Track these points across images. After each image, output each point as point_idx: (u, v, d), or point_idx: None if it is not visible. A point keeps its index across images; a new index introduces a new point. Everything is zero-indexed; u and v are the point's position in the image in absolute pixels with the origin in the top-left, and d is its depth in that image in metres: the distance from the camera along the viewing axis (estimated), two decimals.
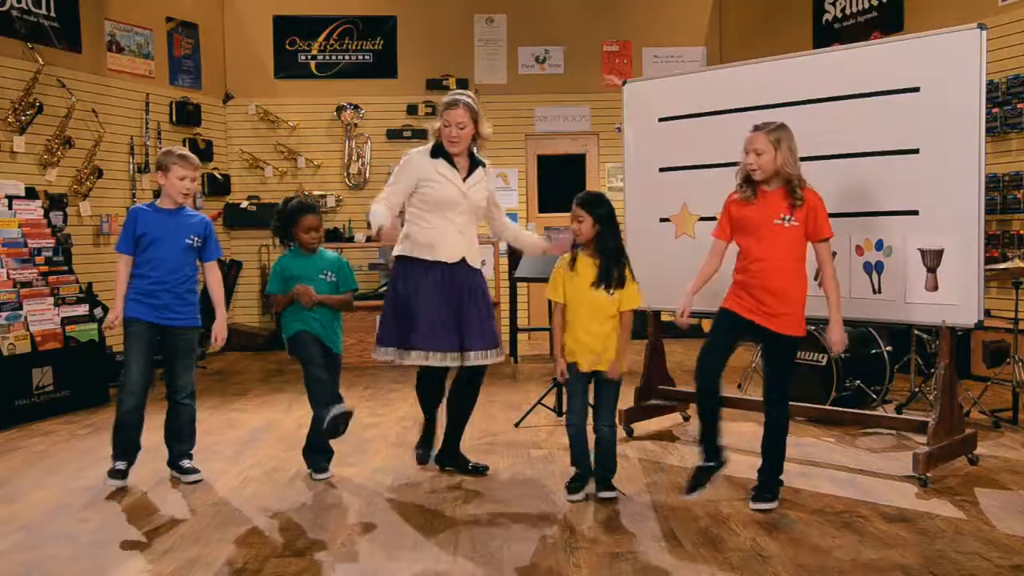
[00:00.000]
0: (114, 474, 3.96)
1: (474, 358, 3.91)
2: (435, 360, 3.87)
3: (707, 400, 3.62)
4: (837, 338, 3.58)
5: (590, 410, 3.80)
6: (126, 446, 4.01)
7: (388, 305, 4.01)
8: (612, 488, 3.71)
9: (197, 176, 4.07)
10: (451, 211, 3.94)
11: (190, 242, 4.01)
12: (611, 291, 3.63)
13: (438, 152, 3.96)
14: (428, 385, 4.16)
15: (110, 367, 6.03)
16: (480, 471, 4.12)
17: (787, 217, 3.46)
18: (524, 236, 4.38)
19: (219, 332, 4.08)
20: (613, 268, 3.63)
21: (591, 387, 3.76)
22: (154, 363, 4.07)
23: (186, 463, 4.09)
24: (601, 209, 3.64)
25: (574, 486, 3.74)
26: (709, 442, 3.61)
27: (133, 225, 3.96)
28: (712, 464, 3.60)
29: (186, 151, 4.10)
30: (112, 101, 7.71)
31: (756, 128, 3.50)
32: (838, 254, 4.15)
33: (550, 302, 3.80)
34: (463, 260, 3.96)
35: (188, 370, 4.09)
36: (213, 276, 4.16)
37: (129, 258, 3.96)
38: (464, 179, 3.97)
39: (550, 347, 6.48)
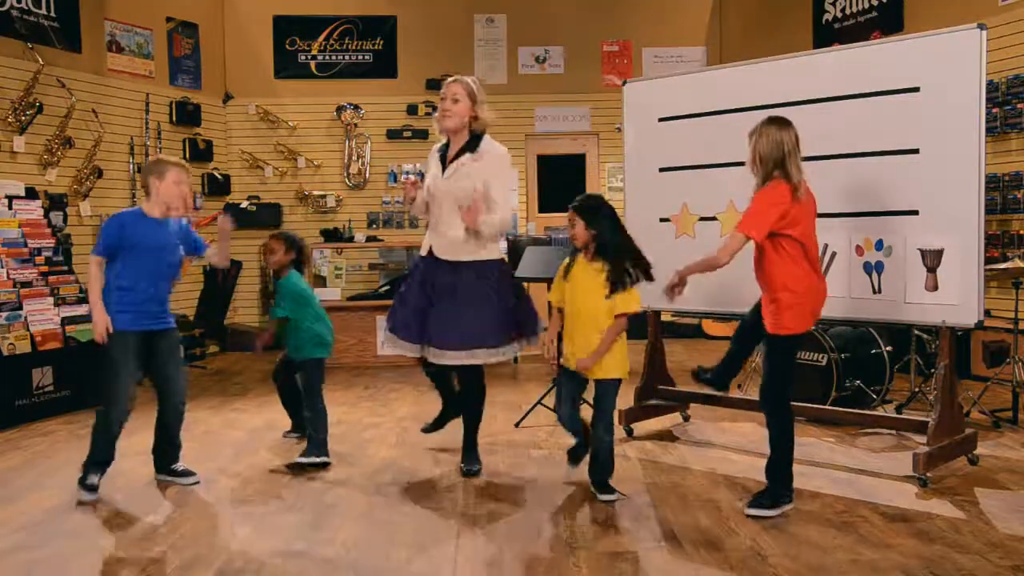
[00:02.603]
0: (92, 488, 3.82)
1: (432, 355, 3.88)
2: (397, 349, 4.04)
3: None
4: (671, 281, 3.53)
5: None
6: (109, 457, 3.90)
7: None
8: (611, 491, 3.71)
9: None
10: (432, 203, 3.97)
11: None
12: (611, 296, 3.57)
13: (444, 145, 4.00)
14: (432, 377, 4.38)
15: None
16: (470, 473, 4.12)
17: None
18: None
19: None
20: (622, 273, 3.57)
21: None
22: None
23: (179, 466, 4.10)
24: (599, 212, 3.60)
25: (573, 455, 3.93)
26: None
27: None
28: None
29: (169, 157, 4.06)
30: (112, 101, 7.71)
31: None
32: (838, 254, 4.16)
33: (549, 303, 3.81)
34: (439, 256, 3.90)
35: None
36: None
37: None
38: (446, 167, 3.90)
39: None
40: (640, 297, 3.67)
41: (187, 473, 4.06)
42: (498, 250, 4.02)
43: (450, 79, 3.95)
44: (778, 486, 3.51)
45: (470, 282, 3.86)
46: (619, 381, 3.69)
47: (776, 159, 3.40)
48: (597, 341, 3.59)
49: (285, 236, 4.50)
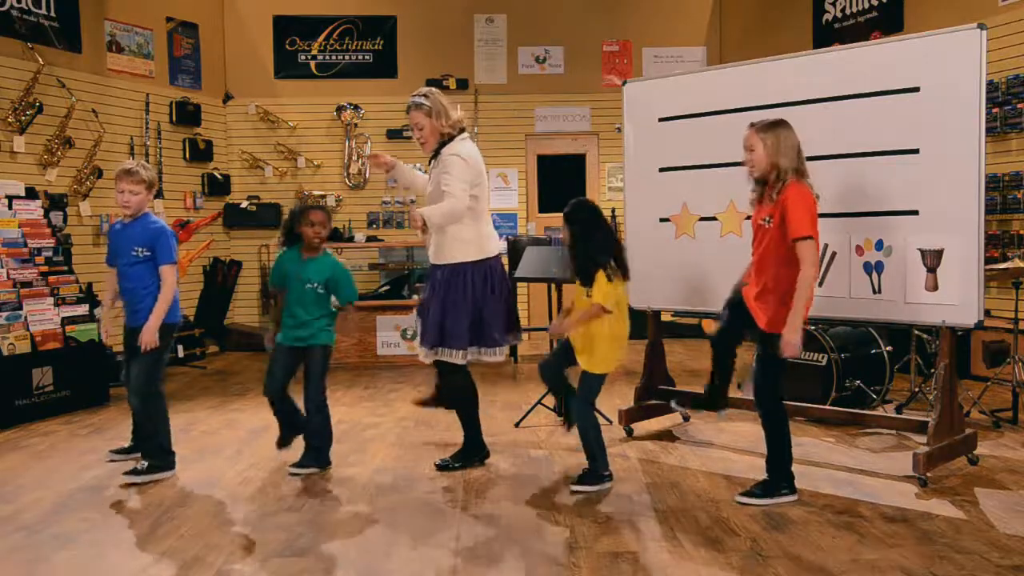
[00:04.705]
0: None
1: (421, 354, 4.14)
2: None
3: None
4: (786, 339, 3.38)
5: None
6: None
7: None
8: (586, 483, 3.80)
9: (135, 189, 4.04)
10: None
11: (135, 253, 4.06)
12: (588, 291, 3.77)
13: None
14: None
15: (110, 367, 6.02)
16: (440, 465, 4.21)
17: (768, 218, 3.47)
18: (416, 177, 4.42)
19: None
20: (587, 268, 3.77)
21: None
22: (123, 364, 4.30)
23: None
24: (579, 215, 3.82)
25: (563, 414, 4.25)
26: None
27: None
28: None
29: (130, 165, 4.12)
30: (112, 101, 7.71)
31: (751, 125, 3.56)
32: (838, 254, 4.16)
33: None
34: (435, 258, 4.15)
35: (138, 369, 4.09)
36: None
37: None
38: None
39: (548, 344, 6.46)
40: (610, 291, 3.70)
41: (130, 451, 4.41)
42: (473, 252, 4.05)
43: (408, 106, 4.08)
44: (776, 477, 3.60)
45: (440, 279, 4.08)
46: (601, 376, 3.84)
47: (795, 161, 3.45)
48: (581, 332, 3.80)
49: (326, 209, 4.21)
